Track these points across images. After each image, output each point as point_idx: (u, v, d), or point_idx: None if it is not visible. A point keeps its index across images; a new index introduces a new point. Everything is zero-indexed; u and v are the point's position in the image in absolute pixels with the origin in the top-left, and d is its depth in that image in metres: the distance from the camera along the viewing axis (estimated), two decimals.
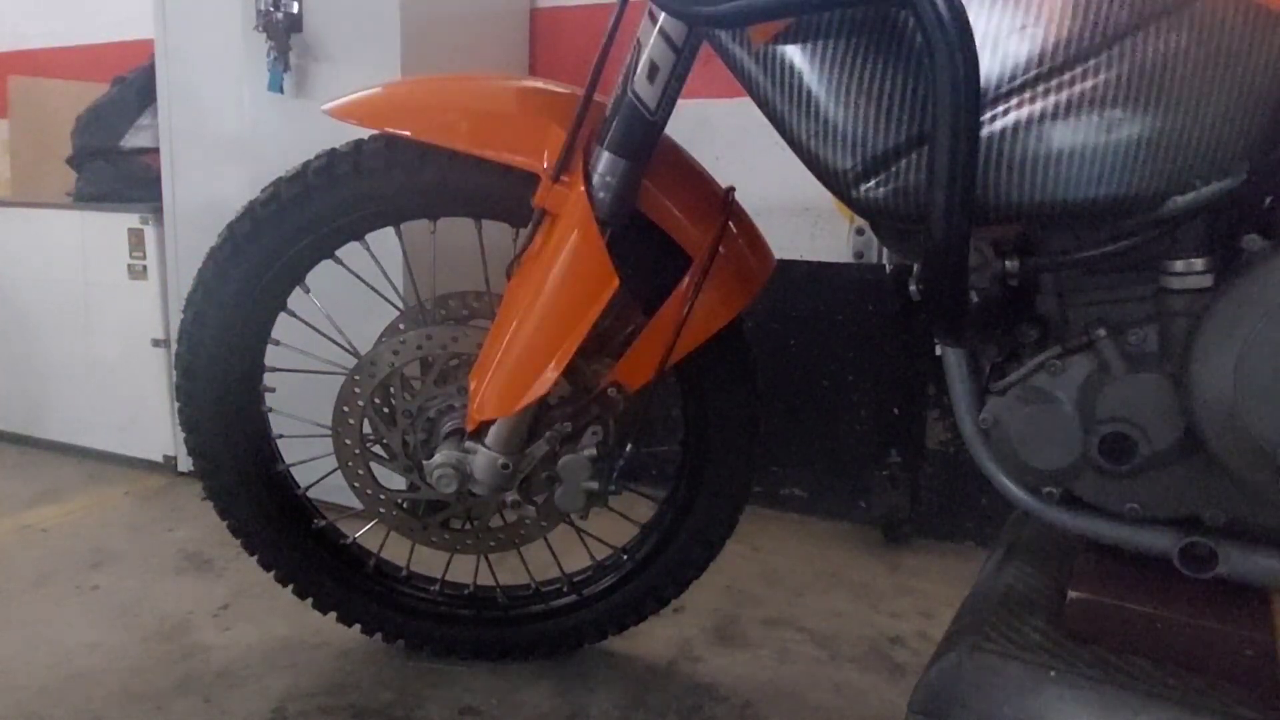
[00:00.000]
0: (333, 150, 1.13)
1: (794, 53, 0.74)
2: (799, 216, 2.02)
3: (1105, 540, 0.85)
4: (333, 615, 1.31)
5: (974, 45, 0.65)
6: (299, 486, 1.29)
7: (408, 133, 1.07)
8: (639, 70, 0.96)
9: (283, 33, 1.72)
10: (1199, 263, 0.75)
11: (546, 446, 1.12)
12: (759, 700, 1.25)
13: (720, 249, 1.08)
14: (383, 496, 1.22)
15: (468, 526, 1.25)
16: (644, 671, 1.32)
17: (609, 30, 0.99)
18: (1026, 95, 0.68)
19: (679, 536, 1.27)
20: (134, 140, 2.17)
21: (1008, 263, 0.79)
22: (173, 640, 1.37)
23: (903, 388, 1.47)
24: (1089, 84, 0.67)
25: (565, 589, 1.33)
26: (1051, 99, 0.67)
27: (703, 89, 1.79)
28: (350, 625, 1.32)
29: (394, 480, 1.23)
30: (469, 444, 1.13)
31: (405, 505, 1.23)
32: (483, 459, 1.11)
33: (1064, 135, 0.68)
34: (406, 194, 1.11)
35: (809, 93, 0.74)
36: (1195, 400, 0.75)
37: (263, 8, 1.73)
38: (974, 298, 0.80)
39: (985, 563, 1.01)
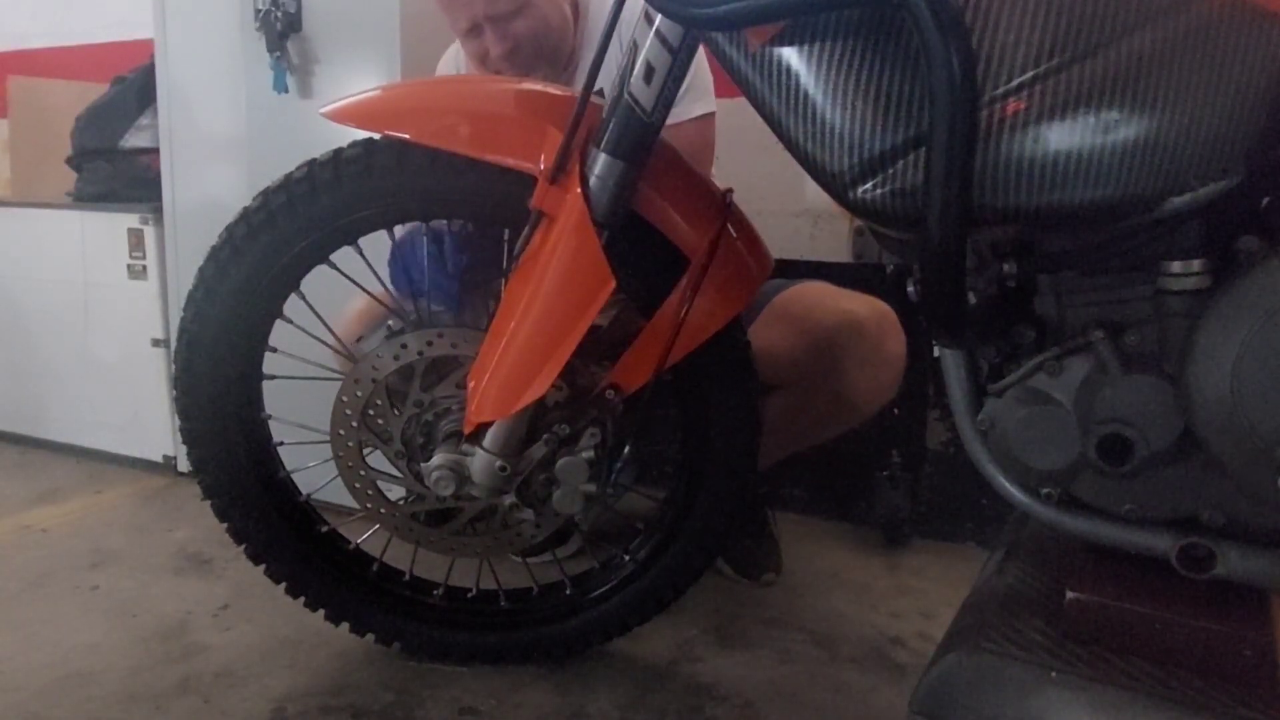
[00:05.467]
0: (338, 150, 1.11)
1: (791, 55, 0.74)
2: (798, 217, 2.01)
3: (1104, 541, 0.85)
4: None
5: (970, 47, 0.65)
6: (300, 493, 1.29)
7: (405, 135, 1.06)
8: (635, 72, 0.96)
9: (279, 32, 1.72)
10: (1196, 264, 0.75)
11: (544, 448, 1.12)
12: (759, 701, 1.25)
13: (718, 250, 1.08)
14: (373, 495, 1.22)
15: (470, 530, 1.25)
16: (644, 672, 1.32)
17: (605, 31, 0.99)
18: (1023, 96, 0.68)
19: (680, 537, 1.27)
20: (134, 140, 2.17)
21: (1005, 264, 0.79)
22: (172, 640, 1.37)
23: (903, 388, 1.48)
24: (1086, 85, 0.67)
25: (568, 591, 1.33)
26: (1048, 100, 0.67)
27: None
28: (362, 635, 1.31)
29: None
30: (466, 446, 1.13)
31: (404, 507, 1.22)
32: (480, 461, 1.11)
33: (1061, 136, 0.67)
34: (403, 196, 1.11)
35: (806, 95, 0.73)
36: (1193, 401, 0.74)
37: (260, 7, 1.73)
38: (972, 299, 0.80)
39: (985, 563, 1.01)
